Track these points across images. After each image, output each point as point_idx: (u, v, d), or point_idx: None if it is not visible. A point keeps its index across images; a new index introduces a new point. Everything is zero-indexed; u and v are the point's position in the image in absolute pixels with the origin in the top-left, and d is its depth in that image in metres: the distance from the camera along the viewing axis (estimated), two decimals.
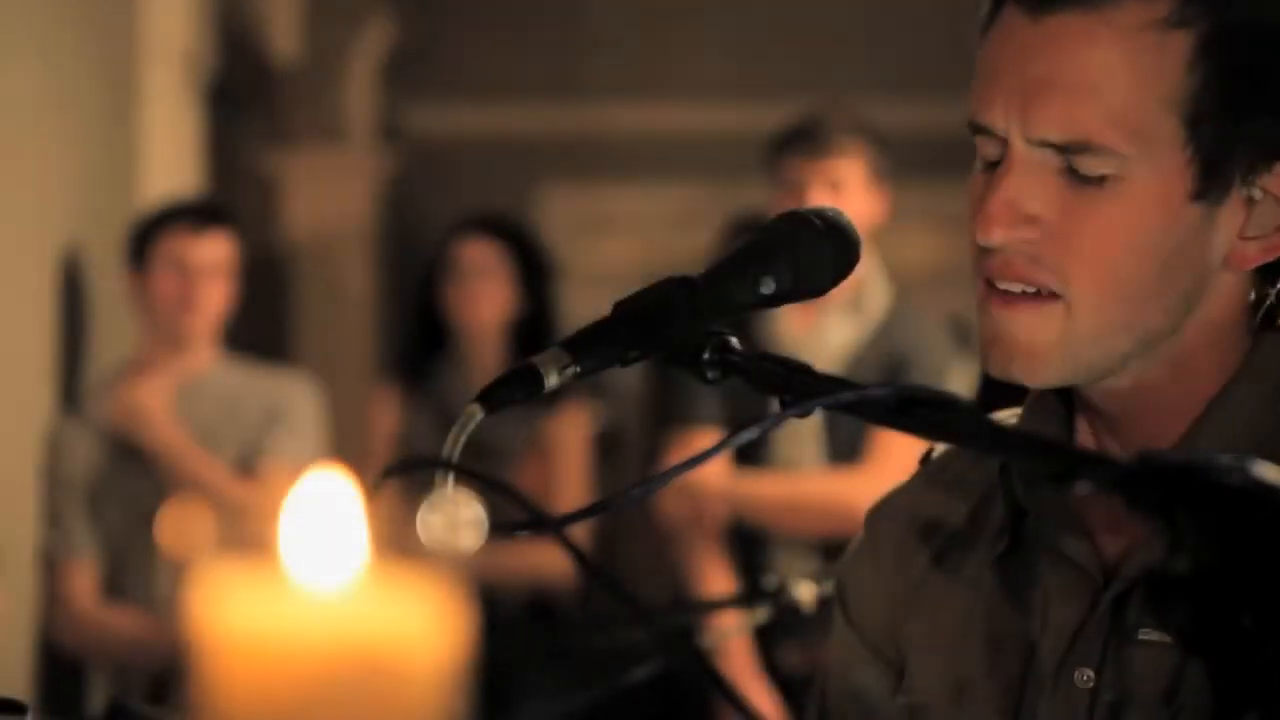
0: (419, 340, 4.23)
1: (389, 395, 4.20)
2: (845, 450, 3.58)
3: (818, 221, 1.23)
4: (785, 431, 3.58)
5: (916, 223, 6.76)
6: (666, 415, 3.71)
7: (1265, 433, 1.23)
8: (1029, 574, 1.30)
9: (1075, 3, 1.19)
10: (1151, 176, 1.20)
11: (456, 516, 0.77)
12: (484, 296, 4.09)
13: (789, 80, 6.69)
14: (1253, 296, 1.26)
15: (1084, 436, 1.31)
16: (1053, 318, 1.22)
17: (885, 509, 1.43)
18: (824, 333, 3.61)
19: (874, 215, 3.59)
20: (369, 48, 6.83)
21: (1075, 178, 1.21)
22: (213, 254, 3.69)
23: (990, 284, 1.25)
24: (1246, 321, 1.26)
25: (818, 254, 1.22)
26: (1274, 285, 1.26)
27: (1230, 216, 1.22)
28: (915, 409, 1.03)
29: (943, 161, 6.97)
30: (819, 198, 3.49)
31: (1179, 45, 1.18)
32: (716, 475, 3.57)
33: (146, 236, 3.70)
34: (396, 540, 0.56)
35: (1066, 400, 1.32)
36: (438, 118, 7.15)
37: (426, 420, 4.08)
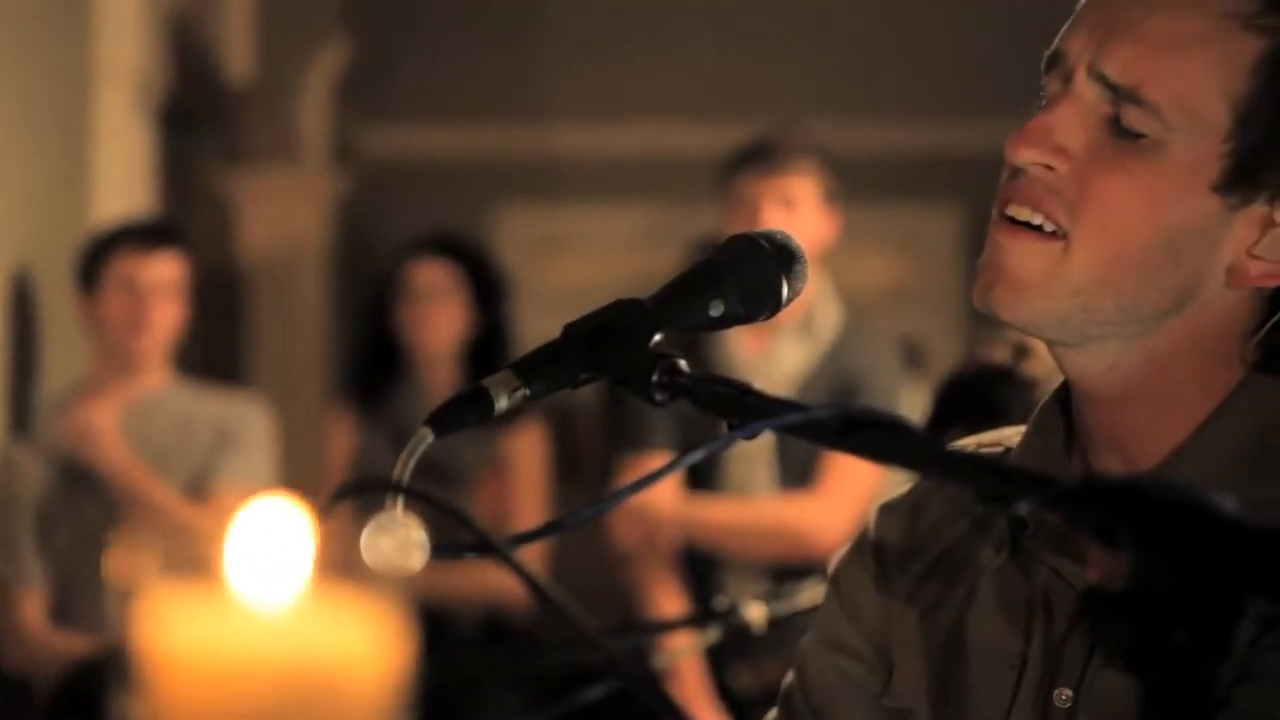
0: (373, 362, 4.22)
1: (344, 417, 4.19)
2: (797, 475, 3.59)
3: (766, 244, 1.24)
4: (737, 456, 3.60)
5: (871, 244, 6.80)
6: (620, 439, 3.72)
7: (1239, 474, 1.23)
8: (1024, 588, 1.31)
9: None
10: (1186, 152, 1.22)
11: (400, 538, 0.78)
12: (438, 318, 4.08)
13: (745, 102, 6.72)
14: (1254, 335, 1.27)
15: (1080, 454, 1.32)
16: (1048, 255, 1.24)
17: (890, 509, 1.44)
18: (776, 355, 3.62)
19: (826, 236, 3.61)
20: (324, 68, 6.83)
21: (1117, 130, 1.23)
22: (163, 274, 3.68)
23: (1002, 211, 1.27)
24: (1237, 351, 1.27)
25: (765, 276, 1.23)
26: (1269, 329, 1.26)
27: (1246, 226, 1.24)
28: (860, 431, 1.04)
29: (897, 183, 7.03)
30: (772, 214, 3.51)
31: (1252, 45, 1.22)
32: (669, 499, 3.58)
33: (97, 257, 3.69)
34: (343, 562, 0.57)
35: (1068, 419, 1.33)
36: (393, 138, 7.15)
37: (382, 442, 4.07)
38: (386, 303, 4.17)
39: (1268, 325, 1.26)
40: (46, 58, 4.35)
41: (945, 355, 5.78)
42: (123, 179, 4.76)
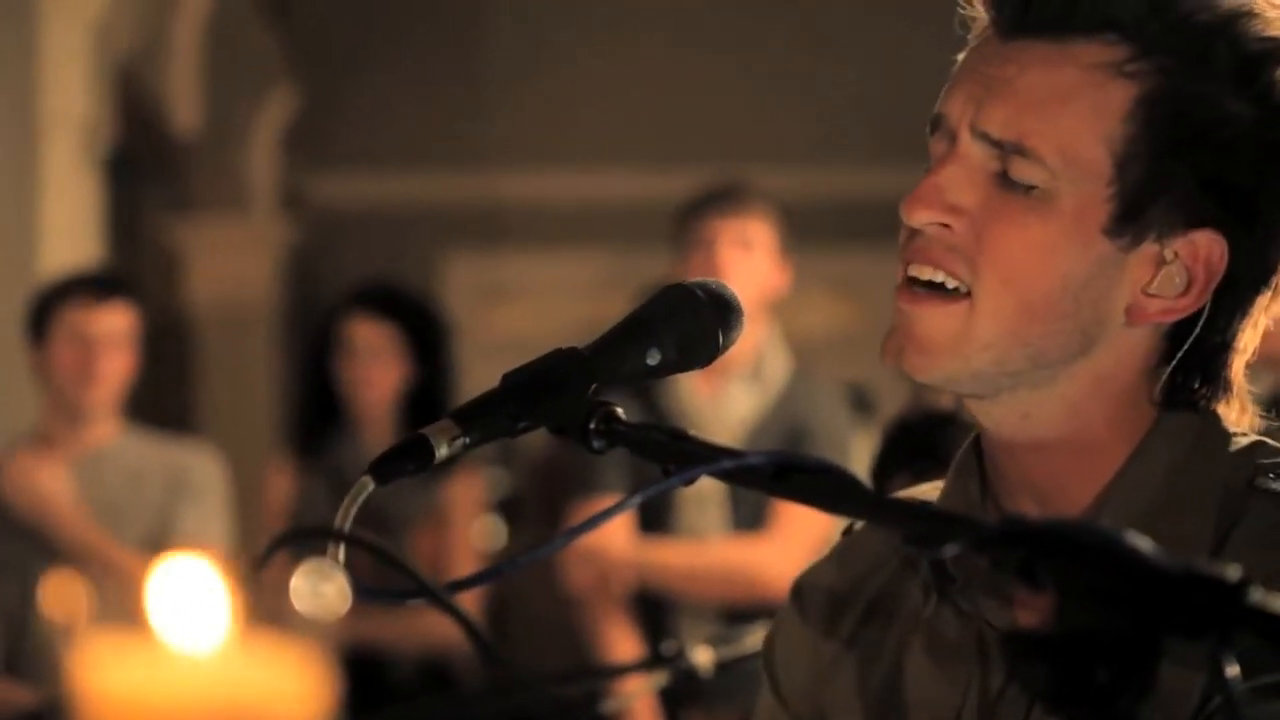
0: (313, 412, 4.21)
1: (283, 467, 4.18)
2: (749, 518, 3.61)
3: (701, 294, 1.26)
4: (690, 499, 3.61)
5: (816, 289, 6.83)
6: (570, 484, 3.73)
7: (1152, 519, 1.25)
8: (953, 637, 1.32)
9: (1043, 34, 1.27)
10: (1074, 199, 1.25)
11: (325, 584, 0.79)
12: (375, 375, 4.07)
13: (689, 150, 6.76)
14: (1158, 371, 1.29)
15: (994, 502, 1.34)
16: (955, 315, 1.27)
17: (810, 577, 1.45)
18: (726, 401, 3.64)
19: (778, 285, 3.65)
20: (270, 117, 6.84)
21: (1006, 184, 1.26)
22: (113, 325, 3.67)
23: (906, 275, 1.29)
24: (1145, 390, 1.29)
25: (701, 325, 1.25)
26: (1172, 365, 1.29)
27: (1139, 266, 1.26)
28: (792, 476, 1.06)
29: (842, 228, 7.08)
30: (730, 254, 3.55)
31: (1123, 92, 1.25)
32: (621, 542, 3.60)
33: (45, 309, 3.68)
34: (274, 608, 0.58)
35: (983, 466, 1.35)
36: (339, 187, 7.16)
37: (321, 491, 4.06)
38: (324, 356, 4.16)
39: (1173, 363, 1.29)
40: None
41: (893, 400, 5.81)
42: (70, 228, 4.75)
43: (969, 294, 1.26)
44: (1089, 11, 1.26)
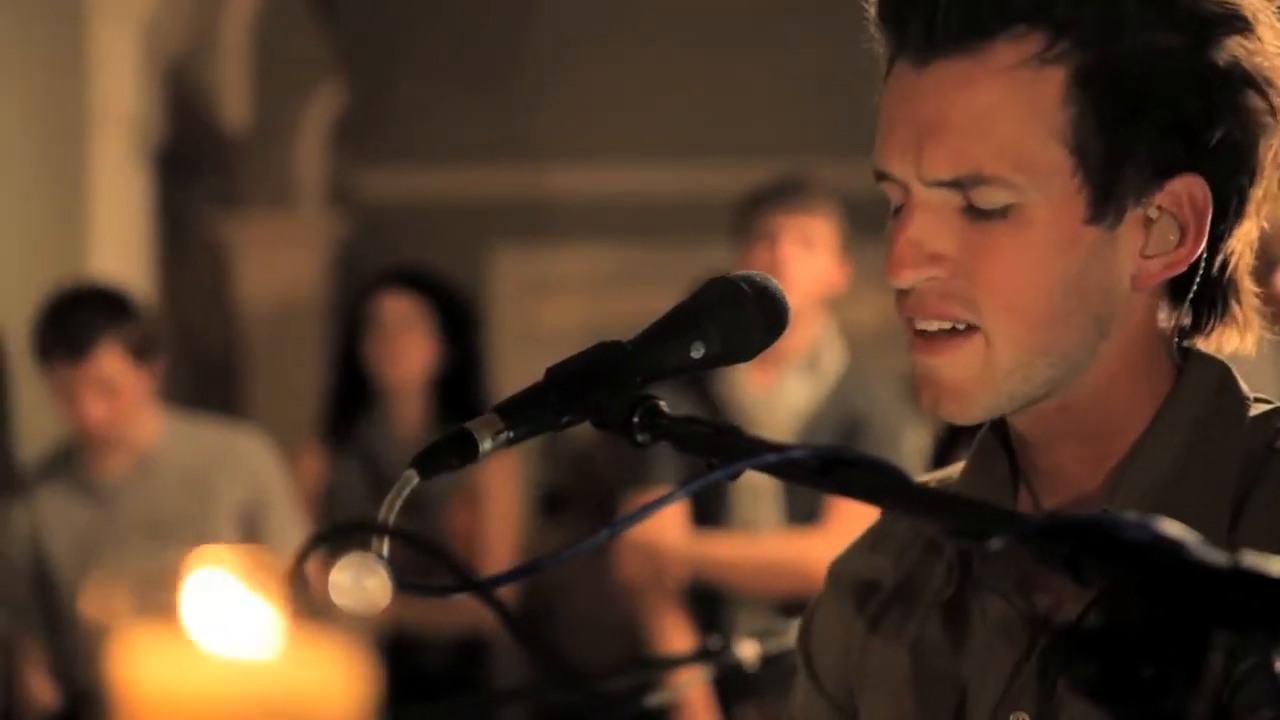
0: (343, 396, 4.21)
1: (314, 452, 4.19)
2: (803, 511, 3.60)
3: (746, 287, 1.25)
4: (744, 492, 3.61)
5: (867, 282, 6.81)
6: (621, 476, 3.74)
7: (1183, 474, 1.26)
8: (971, 618, 1.33)
9: (953, 50, 1.24)
10: (1046, 204, 1.24)
11: (365, 579, 0.79)
12: (406, 350, 4.08)
13: (737, 143, 6.75)
14: (1169, 320, 1.30)
15: (1024, 481, 1.34)
16: (973, 353, 1.26)
17: (843, 563, 1.46)
18: (782, 392, 3.64)
19: (836, 283, 3.66)
20: (319, 113, 6.86)
21: (975, 214, 1.25)
22: (108, 368, 3.48)
23: (912, 327, 1.29)
24: (1162, 349, 1.30)
25: (746, 318, 1.25)
26: (1183, 308, 1.30)
27: (1130, 237, 1.26)
28: (837, 470, 1.06)
29: None
30: (790, 250, 3.55)
31: (1053, 80, 1.23)
32: (675, 535, 3.60)
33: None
34: (314, 602, 0.58)
35: (1009, 451, 1.35)
36: (387, 182, 7.18)
37: (354, 476, 4.07)
38: (354, 336, 4.18)
39: (1184, 307, 1.29)
40: (43, 103, 4.37)
41: None
42: (119, 225, 4.78)
43: (979, 328, 1.26)
44: (992, 11, 1.24)
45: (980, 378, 1.26)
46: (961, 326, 1.26)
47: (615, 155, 7.12)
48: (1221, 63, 1.24)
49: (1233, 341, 1.32)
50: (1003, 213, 1.24)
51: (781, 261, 3.52)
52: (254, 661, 0.56)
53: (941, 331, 1.27)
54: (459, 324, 4.17)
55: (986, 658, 1.31)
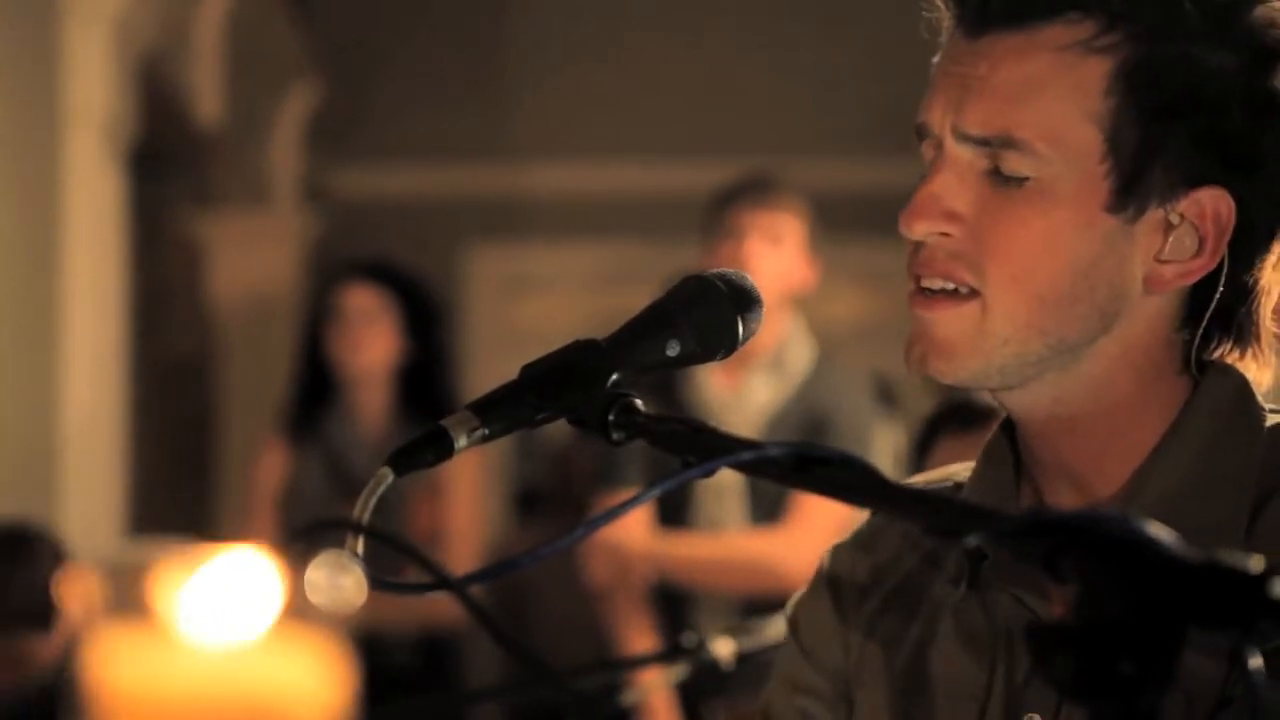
0: (306, 389, 4.21)
1: (275, 445, 4.18)
2: (768, 510, 3.60)
3: (721, 285, 1.26)
4: (708, 491, 3.61)
5: (843, 280, 6.82)
6: (589, 476, 3.74)
7: (1189, 501, 1.25)
8: (985, 621, 1.32)
9: (1006, 22, 1.27)
10: (1070, 182, 1.25)
11: (340, 577, 0.79)
12: (368, 341, 4.08)
13: (713, 142, 6.75)
14: (1183, 335, 1.29)
15: (1031, 485, 1.34)
16: (969, 316, 1.27)
17: (844, 548, 1.45)
18: (747, 392, 3.64)
19: (804, 280, 3.65)
20: (293, 110, 6.84)
21: (999, 180, 1.26)
22: None
23: (917, 284, 1.29)
24: (1171, 359, 1.29)
25: (721, 316, 1.25)
26: (1199, 325, 1.29)
27: (1147, 236, 1.26)
28: (811, 467, 1.06)
29: (870, 219, 7.04)
30: (758, 247, 3.55)
31: (1098, 67, 1.25)
32: (640, 535, 3.59)
33: None
34: (288, 600, 0.58)
35: (1016, 450, 1.35)
36: (362, 180, 7.17)
37: (316, 469, 4.06)
38: (317, 328, 4.18)
39: (1201, 324, 1.29)
40: (14, 101, 4.35)
41: (917, 393, 5.80)
42: (92, 223, 4.76)
43: (980, 294, 1.26)
44: None
45: (972, 341, 1.27)
46: (965, 290, 1.27)
47: (593, 153, 7.12)
48: (1272, 90, 1.26)
49: (1249, 371, 1.31)
50: (1026, 183, 1.25)
51: (746, 257, 3.51)
52: (230, 657, 0.56)
53: (944, 291, 1.28)
54: (422, 317, 4.17)
55: (999, 664, 1.30)
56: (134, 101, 5.16)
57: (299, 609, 0.59)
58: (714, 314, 1.25)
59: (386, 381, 4.09)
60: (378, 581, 0.99)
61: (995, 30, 1.27)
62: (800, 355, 3.69)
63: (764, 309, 1.28)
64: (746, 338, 1.27)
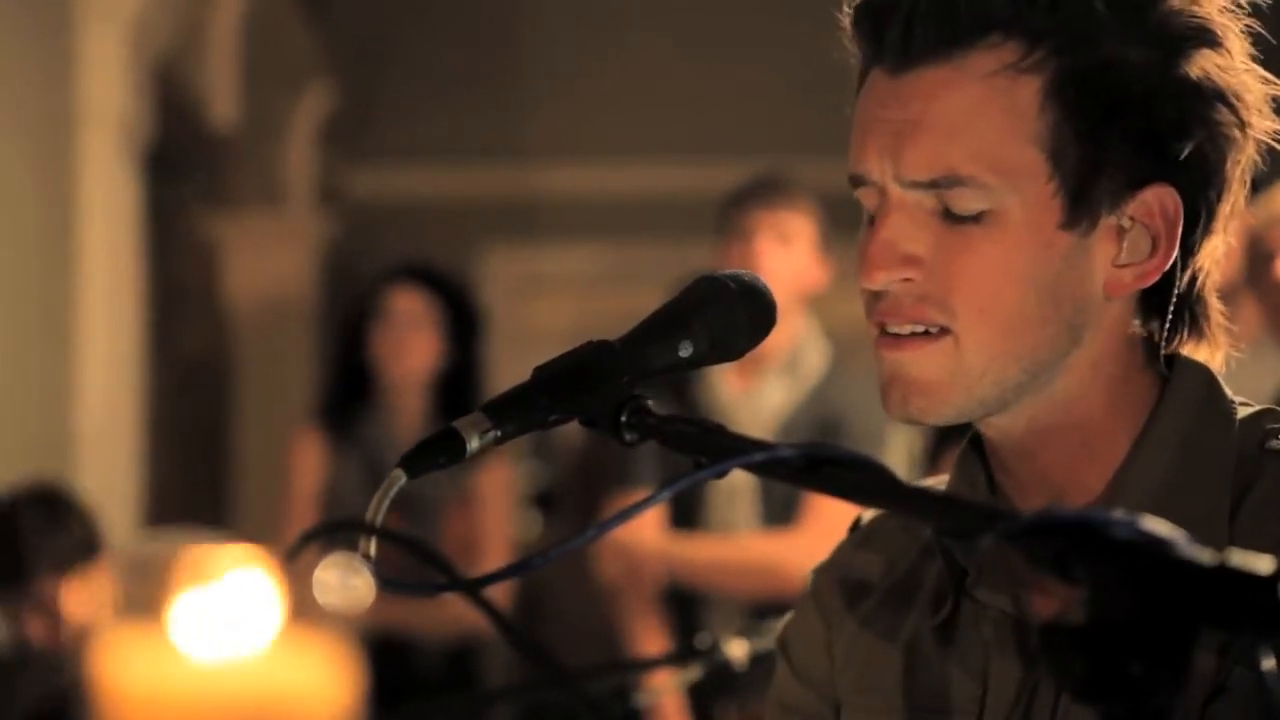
0: (343, 386, 4.20)
1: (312, 441, 4.17)
2: (780, 512, 3.60)
3: (733, 285, 1.25)
4: (720, 493, 3.61)
5: (855, 282, 6.80)
6: (605, 477, 3.74)
7: (1167, 499, 1.25)
8: (970, 635, 1.32)
9: (930, 57, 1.25)
10: (1021, 208, 1.24)
11: (349, 578, 0.79)
12: (412, 346, 4.08)
13: (727, 143, 6.75)
14: (1141, 331, 1.30)
15: (1003, 497, 1.33)
16: (943, 354, 1.26)
17: (827, 567, 1.46)
18: (760, 394, 3.63)
19: (817, 280, 3.64)
20: (308, 112, 6.85)
21: (950, 217, 1.26)
22: None
23: (882, 329, 1.28)
24: (1135, 359, 1.30)
25: (734, 317, 1.25)
26: (1157, 319, 1.30)
27: (1103, 245, 1.26)
28: (824, 468, 1.05)
29: None
30: (767, 247, 3.54)
31: (1029, 87, 1.24)
32: (652, 537, 3.59)
33: None
34: (299, 602, 0.58)
35: (986, 463, 1.35)
36: (377, 181, 7.17)
37: (353, 469, 4.06)
38: (362, 327, 4.17)
39: (1166, 318, 1.29)
40: (31, 103, 4.36)
41: None
42: (107, 225, 4.77)
43: (950, 330, 1.26)
44: (969, 21, 1.24)
45: (950, 378, 1.26)
46: (934, 330, 1.26)
47: (606, 154, 7.12)
48: (1192, 76, 1.25)
49: (1210, 360, 1.32)
50: (978, 218, 1.24)
51: (756, 256, 3.50)
52: (240, 661, 0.56)
53: (913, 334, 1.27)
54: (466, 325, 4.17)
55: (992, 672, 1.30)
56: (149, 103, 5.17)
57: (311, 610, 0.59)
58: (726, 315, 1.24)
59: (425, 385, 4.09)
60: (390, 582, 0.99)
61: (920, 65, 1.26)
62: (815, 358, 3.69)
63: (777, 310, 1.28)
64: (759, 339, 1.27)
